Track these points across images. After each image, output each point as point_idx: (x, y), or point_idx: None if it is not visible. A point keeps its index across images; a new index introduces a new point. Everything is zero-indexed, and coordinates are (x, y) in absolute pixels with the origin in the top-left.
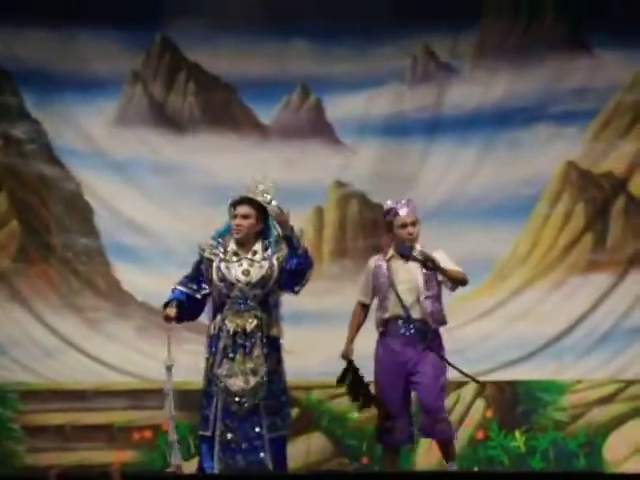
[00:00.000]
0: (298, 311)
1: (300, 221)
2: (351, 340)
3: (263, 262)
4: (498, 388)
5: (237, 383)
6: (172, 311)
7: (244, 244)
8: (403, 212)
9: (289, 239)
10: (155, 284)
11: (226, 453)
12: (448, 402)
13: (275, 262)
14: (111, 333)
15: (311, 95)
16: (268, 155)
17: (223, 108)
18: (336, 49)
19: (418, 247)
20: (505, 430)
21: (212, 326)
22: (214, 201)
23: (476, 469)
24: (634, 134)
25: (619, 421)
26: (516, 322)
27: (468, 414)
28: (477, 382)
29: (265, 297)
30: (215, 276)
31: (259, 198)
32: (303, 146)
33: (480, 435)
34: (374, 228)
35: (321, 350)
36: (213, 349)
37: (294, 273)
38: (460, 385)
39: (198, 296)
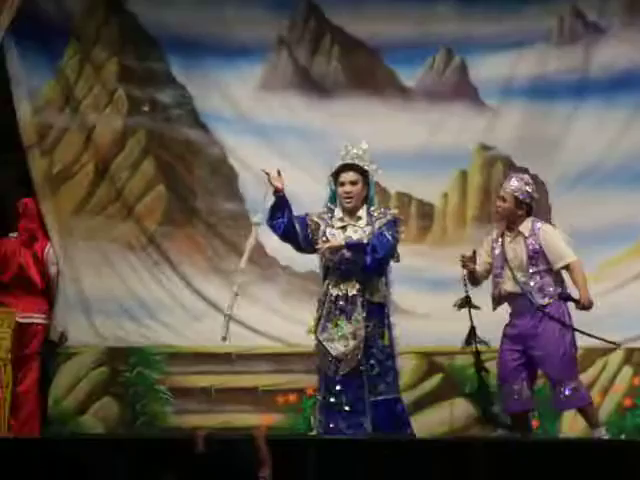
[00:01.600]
0: (441, 277)
1: (444, 185)
2: None
3: (366, 228)
4: None
5: (337, 347)
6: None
7: (351, 211)
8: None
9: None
10: None
11: (329, 416)
12: (594, 369)
13: (377, 229)
14: (256, 297)
15: (455, 57)
16: (411, 118)
17: (367, 72)
18: (481, 9)
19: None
20: None
21: (321, 293)
22: None
23: (623, 437)
24: None
25: None
26: None
27: (615, 381)
28: (616, 345)
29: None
30: (320, 241)
31: (361, 163)
32: (447, 109)
33: (628, 403)
34: None
35: (464, 316)
36: (319, 314)
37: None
38: (607, 352)
39: (296, 225)
